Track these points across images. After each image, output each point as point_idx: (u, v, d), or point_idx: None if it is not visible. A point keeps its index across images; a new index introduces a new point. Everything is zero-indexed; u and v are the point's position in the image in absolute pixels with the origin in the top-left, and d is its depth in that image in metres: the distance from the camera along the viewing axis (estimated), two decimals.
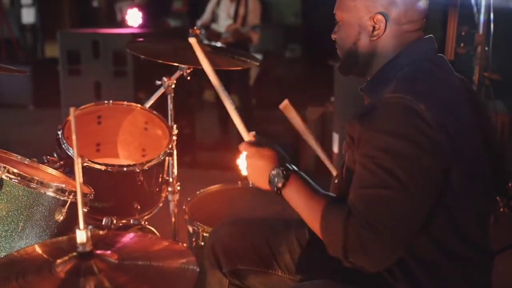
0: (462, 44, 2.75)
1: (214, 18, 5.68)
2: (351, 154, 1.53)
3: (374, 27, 1.54)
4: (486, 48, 2.76)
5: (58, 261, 1.22)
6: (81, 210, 1.15)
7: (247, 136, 1.67)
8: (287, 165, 1.56)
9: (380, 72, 1.59)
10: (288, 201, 1.55)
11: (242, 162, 1.67)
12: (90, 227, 1.14)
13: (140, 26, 5.81)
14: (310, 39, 8.27)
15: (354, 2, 1.56)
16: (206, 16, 5.71)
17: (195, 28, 2.51)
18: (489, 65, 2.79)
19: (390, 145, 1.38)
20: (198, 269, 1.19)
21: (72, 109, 1.03)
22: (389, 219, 1.37)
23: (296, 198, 1.53)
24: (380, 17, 1.53)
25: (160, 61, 2.39)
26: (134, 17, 5.79)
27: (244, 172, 1.67)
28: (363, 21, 1.55)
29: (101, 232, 1.13)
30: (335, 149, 4.20)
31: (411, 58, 1.54)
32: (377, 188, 1.38)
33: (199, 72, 2.60)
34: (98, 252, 1.22)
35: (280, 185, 1.53)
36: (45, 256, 1.30)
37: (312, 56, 7.76)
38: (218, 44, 5.41)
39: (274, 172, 1.54)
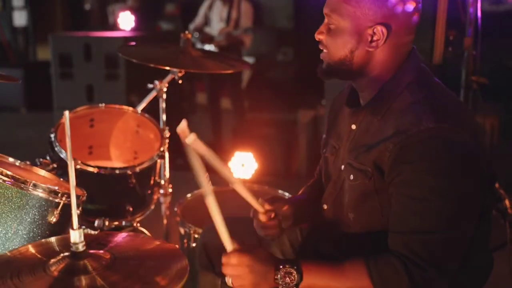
0: (450, 48, 2.77)
1: (207, 21, 5.69)
2: (366, 182, 1.52)
3: (372, 37, 1.49)
4: (474, 52, 2.79)
5: (52, 260, 1.24)
6: (75, 211, 1.18)
7: (230, 245, 1.50)
8: (287, 259, 1.54)
9: (383, 90, 1.54)
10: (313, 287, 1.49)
11: (229, 273, 1.47)
12: (83, 227, 1.17)
13: (132, 30, 5.81)
14: (302, 42, 8.28)
15: (355, 9, 1.48)
16: (199, 19, 5.73)
17: (186, 32, 2.55)
18: (477, 69, 2.81)
19: (440, 187, 1.39)
20: (188, 267, 1.22)
21: (66, 113, 1.05)
22: (451, 257, 1.43)
23: (321, 279, 1.47)
24: (381, 28, 1.47)
25: (152, 65, 2.41)
26: (126, 20, 5.79)
27: (231, 283, 1.48)
28: (363, 29, 1.49)
29: (93, 232, 1.16)
30: None
31: (414, 74, 1.53)
32: (435, 233, 1.40)
33: (191, 76, 2.63)
34: (91, 251, 1.25)
35: (297, 281, 1.45)
36: (38, 255, 1.32)
37: (304, 59, 7.77)
38: (212, 47, 5.44)
39: (281, 273, 1.45)
